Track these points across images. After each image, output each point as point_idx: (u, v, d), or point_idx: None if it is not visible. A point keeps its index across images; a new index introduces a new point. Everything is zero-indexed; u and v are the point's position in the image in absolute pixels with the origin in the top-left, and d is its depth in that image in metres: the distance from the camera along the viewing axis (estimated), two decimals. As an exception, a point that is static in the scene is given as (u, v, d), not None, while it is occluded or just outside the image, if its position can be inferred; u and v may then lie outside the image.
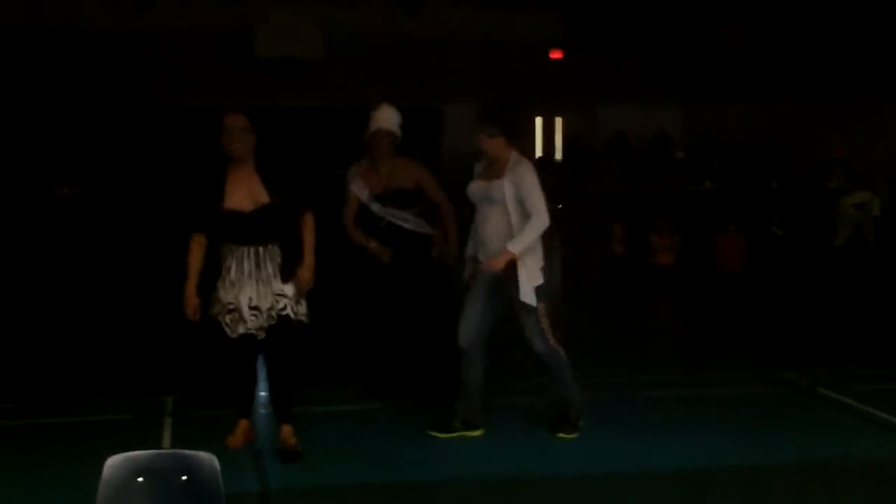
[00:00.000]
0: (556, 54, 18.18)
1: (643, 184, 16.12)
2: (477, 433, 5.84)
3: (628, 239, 13.24)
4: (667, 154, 17.90)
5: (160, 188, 14.25)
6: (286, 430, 5.44)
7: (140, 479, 2.85)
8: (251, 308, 5.31)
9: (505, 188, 5.68)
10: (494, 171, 5.76)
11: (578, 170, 17.65)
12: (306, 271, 5.40)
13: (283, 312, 5.33)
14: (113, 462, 2.81)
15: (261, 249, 5.31)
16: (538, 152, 19.72)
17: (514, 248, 5.61)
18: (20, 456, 5.46)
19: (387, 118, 6.81)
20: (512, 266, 5.65)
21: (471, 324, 5.79)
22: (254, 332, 5.34)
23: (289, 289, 5.36)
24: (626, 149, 18.02)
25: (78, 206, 14.74)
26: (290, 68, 16.31)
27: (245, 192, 5.31)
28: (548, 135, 19.67)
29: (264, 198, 5.31)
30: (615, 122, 18.23)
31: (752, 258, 13.14)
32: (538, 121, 19.62)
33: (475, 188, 5.85)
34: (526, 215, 5.67)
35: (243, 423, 5.60)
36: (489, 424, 5.91)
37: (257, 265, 5.30)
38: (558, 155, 19.66)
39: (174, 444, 5.45)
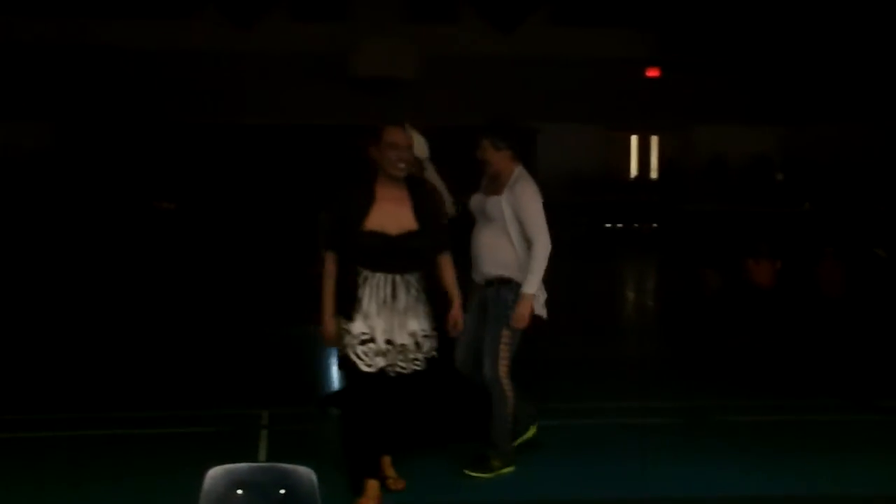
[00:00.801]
0: (652, 72, 18.02)
1: (741, 205, 15.85)
2: (509, 469, 5.41)
3: (726, 261, 13.01)
4: (766, 175, 17.57)
5: (260, 204, 14.56)
6: (387, 460, 5.12)
7: (239, 492, 2.88)
8: (386, 342, 4.84)
9: (503, 206, 5.34)
10: (495, 186, 5.43)
11: (674, 190, 17.45)
12: (458, 312, 5.02)
13: (431, 355, 4.96)
14: (213, 474, 2.85)
15: (397, 278, 4.86)
16: (633, 171, 19.57)
17: (529, 288, 5.24)
18: (123, 465, 5.59)
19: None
20: (501, 282, 5.33)
21: (462, 344, 5.43)
22: (388, 368, 4.85)
23: (429, 325, 4.94)
24: (724, 170, 17.74)
25: (179, 221, 15.13)
26: (386, 88, 16.49)
27: (391, 214, 4.83)
28: (643, 154, 19.50)
29: (411, 223, 4.85)
30: (712, 142, 17.98)
31: (853, 281, 12.78)
32: (633, 140, 19.48)
33: (475, 201, 5.54)
34: (527, 237, 5.30)
35: (373, 486, 4.90)
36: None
37: (393, 295, 4.85)
38: (653, 174, 19.47)
39: (270, 458, 5.50)
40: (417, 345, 4.88)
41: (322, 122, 16.44)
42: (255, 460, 4.64)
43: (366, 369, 4.84)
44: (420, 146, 5.90)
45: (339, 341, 4.92)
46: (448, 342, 5.27)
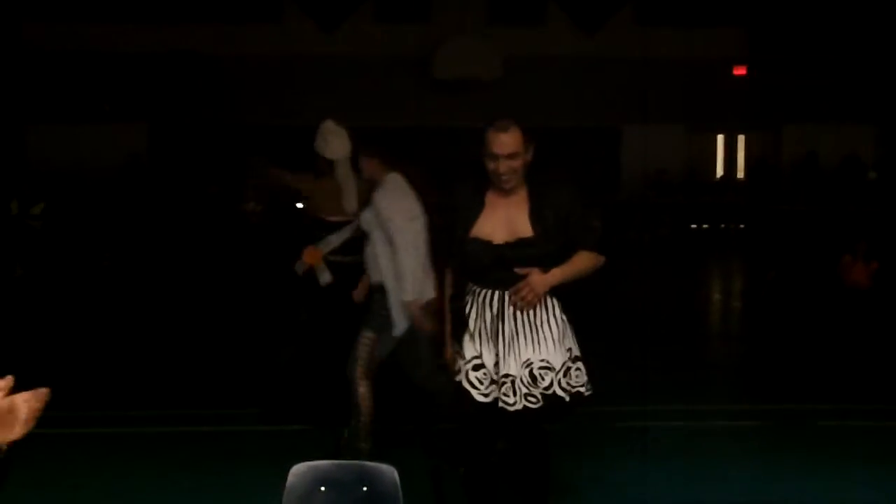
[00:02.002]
0: (739, 71, 17.70)
1: (833, 205, 15.46)
2: None
3: (819, 261, 12.69)
4: (858, 175, 17.11)
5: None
6: None
7: (322, 489, 2.89)
8: (504, 375, 4.13)
9: (369, 215, 5.36)
10: (370, 195, 5.42)
11: (762, 190, 17.09)
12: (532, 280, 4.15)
13: (549, 391, 4.10)
14: (297, 470, 2.87)
15: (506, 296, 4.12)
16: (719, 172, 19.23)
17: (405, 295, 5.19)
18: (209, 461, 5.66)
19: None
20: (378, 289, 5.35)
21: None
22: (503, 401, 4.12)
23: (557, 356, 4.13)
24: (815, 169, 17.33)
25: (265, 222, 15.28)
26: (469, 89, 16.48)
27: (502, 220, 4.18)
28: (730, 153, 19.15)
29: (525, 230, 4.16)
30: (801, 141, 17.58)
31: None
32: (719, 139, 19.14)
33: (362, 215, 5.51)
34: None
35: None
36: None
37: (500, 315, 4.15)
38: (740, 174, 19.11)
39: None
40: (533, 378, 4.08)
41: (405, 123, 16.51)
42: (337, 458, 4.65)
43: (479, 398, 4.18)
44: (334, 147, 6.03)
45: (453, 368, 4.32)
46: None
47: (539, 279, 4.07)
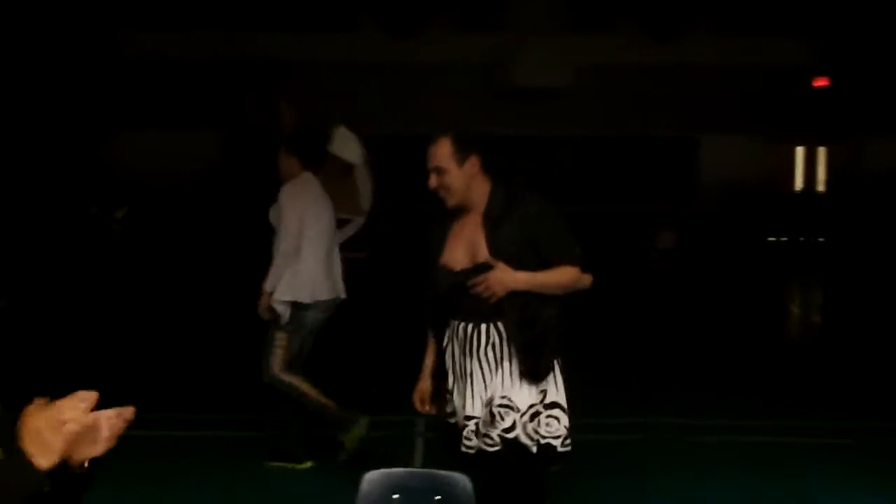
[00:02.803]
0: (820, 82, 17.36)
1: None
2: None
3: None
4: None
5: (419, 218, 14.67)
6: None
7: (395, 497, 2.87)
8: (466, 417, 3.77)
9: (273, 210, 5.63)
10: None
11: (843, 203, 16.73)
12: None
13: (510, 434, 3.65)
14: (371, 477, 2.85)
15: (470, 328, 3.79)
16: (798, 184, 18.88)
17: (266, 285, 5.54)
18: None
19: None
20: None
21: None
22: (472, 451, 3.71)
23: (522, 395, 3.70)
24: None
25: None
26: (542, 97, 16.42)
27: (465, 245, 3.84)
28: (809, 166, 18.80)
29: (484, 253, 3.77)
30: (885, 153, 17.17)
31: None
32: (799, 151, 18.80)
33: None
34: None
35: None
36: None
37: (469, 351, 3.79)
38: (820, 187, 18.75)
39: (424, 465, 5.49)
40: (492, 416, 3.69)
41: (479, 132, 16.53)
42: (410, 466, 4.62)
43: (464, 448, 3.79)
44: (353, 151, 6.39)
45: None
46: None
47: (499, 276, 3.72)
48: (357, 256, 6.41)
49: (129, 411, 2.48)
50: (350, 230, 6.36)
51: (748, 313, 11.97)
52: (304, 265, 5.57)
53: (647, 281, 13.27)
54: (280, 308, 5.56)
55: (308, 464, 5.72)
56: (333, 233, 5.87)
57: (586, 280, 3.90)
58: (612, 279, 11.50)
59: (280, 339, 5.61)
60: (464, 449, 3.73)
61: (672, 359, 8.94)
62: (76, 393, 2.46)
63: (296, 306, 5.60)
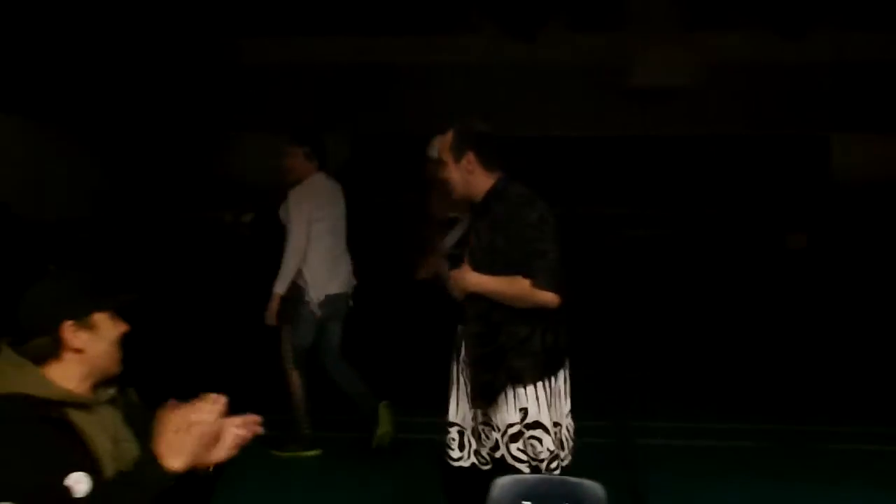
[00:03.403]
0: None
1: None
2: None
3: None
4: None
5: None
6: None
7: (526, 503, 2.85)
8: (448, 423, 3.89)
9: (282, 209, 6.00)
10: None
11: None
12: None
13: (497, 454, 3.71)
14: (502, 482, 2.85)
15: (459, 329, 3.89)
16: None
17: (276, 287, 5.90)
18: (420, 467, 5.72)
19: None
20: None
21: None
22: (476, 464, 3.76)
23: (500, 413, 3.68)
24: None
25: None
26: (666, 97, 16.15)
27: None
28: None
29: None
30: None
31: None
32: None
33: None
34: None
35: None
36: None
37: (455, 354, 3.89)
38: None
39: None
40: (478, 435, 3.77)
41: (597, 133, 16.34)
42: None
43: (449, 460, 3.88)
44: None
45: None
46: None
47: (457, 276, 3.73)
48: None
49: (254, 421, 2.51)
50: (458, 230, 6.55)
51: (882, 317, 11.52)
52: (311, 262, 6.05)
53: (776, 284, 12.92)
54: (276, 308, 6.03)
55: (316, 451, 6.09)
56: (342, 231, 6.39)
57: (544, 297, 3.63)
58: (742, 281, 11.22)
59: (286, 332, 6.13)
60: (448, 459, 3.65)
61: (800, 362, 8.67)
62: (207, 395, 2.49)
63: (302, 302, 6.06)
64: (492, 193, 3.80)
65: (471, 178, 3.82)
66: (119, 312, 2.60)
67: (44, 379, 2.51)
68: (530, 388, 3.59)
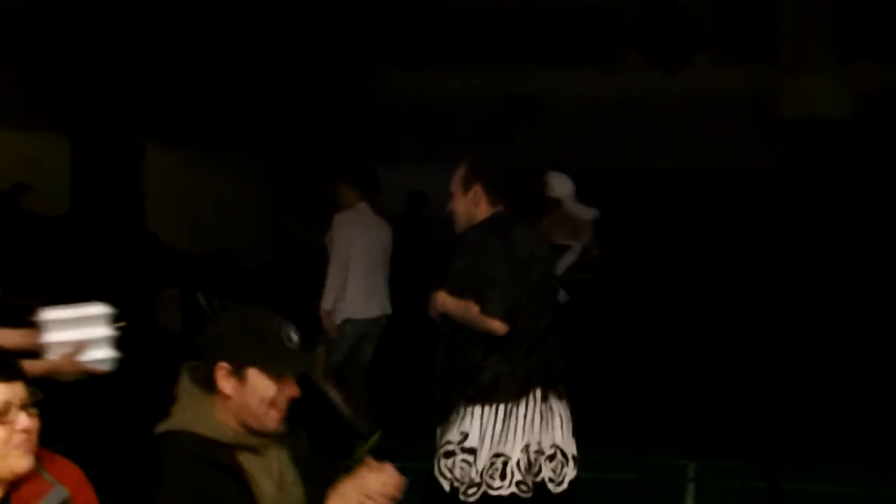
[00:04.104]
0: None
1: None
2: None
3: None
4: None
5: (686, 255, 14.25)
6: None
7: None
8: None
9: (328, 235, 6.52)
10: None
11: None
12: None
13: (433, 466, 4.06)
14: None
15: None
16: None
17: (323, 303, 6.41)
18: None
19: None
20: None
21: None
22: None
23: (445, 429, 4.00)
24: None
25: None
26: (818, 129, 15.70)
27: None
28: None
29: None
30: None
31: None
32: None
33: None
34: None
35: None
36: None
37: None
38: None
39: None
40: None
41: (745, 166, 15.99)
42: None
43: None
44: (561, 185, 7.07)
45: None
46: None
47: (434, 295, 3.94)
48: (580, 278, 7.25)
49: (399, 485, 2.47)
50: (570, 255, 7.16)
51: None
52: (349, 285, 6.51)
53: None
54: (329, 323, 6.52)
55: None
56: (381, 257, 6.80)
57: (491, 325, 3.75)
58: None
59: (320, 350, 6.49)
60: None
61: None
62: (386, 469, 2.48)
63: (339, 322, 6.53)
64: (482, 224, 3.95)
65: (475, 209, 3.95)
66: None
67: (215, 419, 2.47)
68: (476, 412, 3.72)
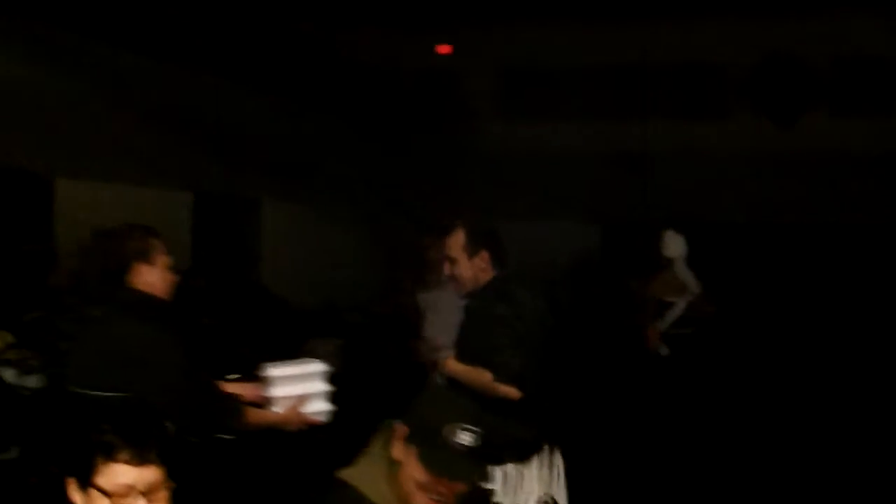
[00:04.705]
0: None
1: None
2: None
3: None
4: None
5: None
6: None
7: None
8: None
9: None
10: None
11: None
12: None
13: None
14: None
15: None
16: None
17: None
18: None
19: None
20: None
21: None
22: None
23: None
24: None
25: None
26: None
27: None
28: None
29: None
30: None
31: None
32: None
33: None
34: None
35: None
36: None
37: None
38: None
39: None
40: None
41: (860, 220, 15.58)
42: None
43: None
44: (675, 245, 7.62)
45: None
46: None
47: (445, 361, 4.04)
48: (683, 332, 7.63)
49: None
50: (675, 311, 7.57)
51: None
52: None
53: None
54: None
55: None
56: None
57: (506, 391, 3.81)
58: None
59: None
60: None
61: None
62: None
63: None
64: (484, 285, 4.07)
65: (482, 274, 4.06)
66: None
67: (384, 486, 2.48)
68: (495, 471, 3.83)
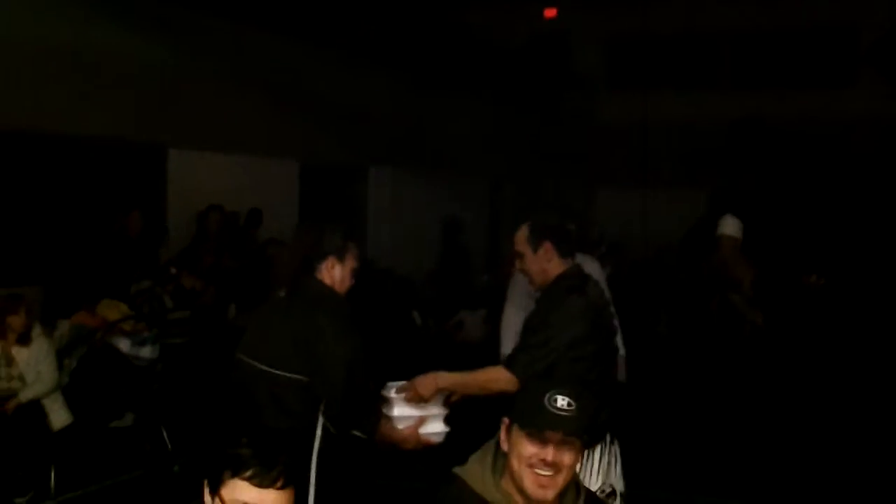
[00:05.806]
0: None
1: None
2: None
3: None
4: None
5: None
6: None
7: None
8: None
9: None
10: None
11: None
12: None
13: None
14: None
15: None
16: None
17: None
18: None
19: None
20: None
21: None
22: None
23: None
24: None
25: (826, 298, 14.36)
26: None
27: None
28: None
29: None
30: None
31: None
32: None
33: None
34: None
35: None
36: None
37: None
38: None
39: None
40: None
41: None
42: None
43: None
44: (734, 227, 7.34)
45: None
46: None
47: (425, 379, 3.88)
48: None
49: None
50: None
51: None
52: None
53: None
54: None
55: None
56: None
57: (512, 384, 3.76)
58: None
59: None
60: None
61: None
62: None
63: None
64: (557, 278, 4.06)
65: (548, 266, 4.07)
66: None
67: (493, 478, 2.56)
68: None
